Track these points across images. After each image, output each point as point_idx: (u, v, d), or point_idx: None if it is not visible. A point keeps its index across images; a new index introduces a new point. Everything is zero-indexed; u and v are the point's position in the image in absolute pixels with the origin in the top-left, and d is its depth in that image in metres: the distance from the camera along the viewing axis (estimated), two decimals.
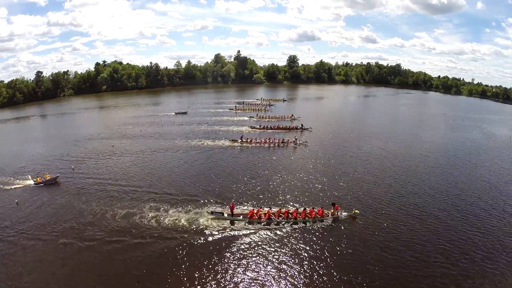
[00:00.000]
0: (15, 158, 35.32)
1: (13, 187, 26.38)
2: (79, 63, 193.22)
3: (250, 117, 56.09)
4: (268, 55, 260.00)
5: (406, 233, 18.85)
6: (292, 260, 16.27)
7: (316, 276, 15.08)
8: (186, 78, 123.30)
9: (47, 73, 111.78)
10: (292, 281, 14.81)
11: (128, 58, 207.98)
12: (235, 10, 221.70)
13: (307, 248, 17.32)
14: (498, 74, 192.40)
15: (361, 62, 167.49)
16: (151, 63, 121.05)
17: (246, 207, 21.61)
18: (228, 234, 18.64)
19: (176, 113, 60.58)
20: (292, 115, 54.93)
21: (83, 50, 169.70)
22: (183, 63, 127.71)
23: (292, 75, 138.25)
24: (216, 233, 18.73)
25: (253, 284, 14.67)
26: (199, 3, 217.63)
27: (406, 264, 16.06)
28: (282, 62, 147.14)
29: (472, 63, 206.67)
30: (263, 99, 79.44)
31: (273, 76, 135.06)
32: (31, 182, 27.03)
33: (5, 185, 26.61)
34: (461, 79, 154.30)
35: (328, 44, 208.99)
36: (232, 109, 64.60)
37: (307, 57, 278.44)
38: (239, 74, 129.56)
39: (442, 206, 22.68)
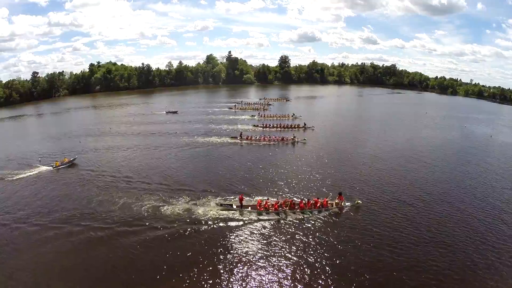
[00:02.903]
0: (20, 150, 37.38)
1: (33, 173, 28.54)
2: (80, 63, 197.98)
3: (251, 116, 57.27)
4: (269, 56, 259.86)
5: (405, 222, 19.66)
6: (298, 249, 16.89)
7: (320, 264, 15.63)
8: (177, 79, 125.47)
9: (48, 73, 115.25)
10: (298, 268, 15.32)
11: (129, 58, 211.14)
12: (236, 11, 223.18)
13: (313, 237, 18.07)
14: (499, 75, 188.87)
15: (356, 63, 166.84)
16: (143, 64, 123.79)
17: (254, 199, 22.28)
18: (236, 225, 19.32)
19: (166, 112, 61.72)
20: (293, 114, 55.88)
21: (84, 50, 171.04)
22: (174, 64, 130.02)
23: (283, 76, 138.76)
24: (225, 223, 19.38)
25: (260, 271, 15.19)
26: (200, 3, 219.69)
27: (406, 252, 16.58)
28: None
29: (473, 64, 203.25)
30: (266, 98, 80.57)
31: (263, 77, 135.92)
32: (46, 167, 29.52)
33: (23, 173, 28.42)
34: (459, 80, 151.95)
35: (328, 45, 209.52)
36: (232, 108, 66.01)
37: (308, 59, 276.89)
38: (229, 75, 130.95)
39: (437, 198, 23.60)
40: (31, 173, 28.39)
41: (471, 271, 15.43)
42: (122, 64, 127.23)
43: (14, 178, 27.46)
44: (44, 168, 29.61)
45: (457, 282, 14.68)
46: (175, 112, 61.92)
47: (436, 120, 62.67)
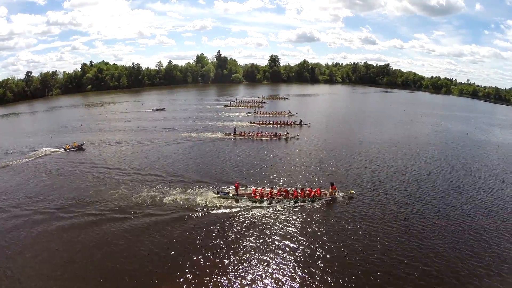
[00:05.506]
0: (24, 140, 40.21)
1: (45, 154, 33.11)
2: (79, 63, 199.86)
3: (248, 113, 58.62)
4: (268, 55, 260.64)
5: (395, 211, 20.36)
6: (291, 236, 17.33)
7: (312, 252, 15.98)
8: (167, 78, 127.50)
9: (42, 72, 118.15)
10: (290, 256, 15.66)
11: (128, 57, 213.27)
12: (234, 11, 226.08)
13: (306, 225, 18.56)
14: (498, 76, 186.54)
15: (350, 62, 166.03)
16: (133, 63, 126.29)
17: (249, 187, 22.99)
18: (232, 212, 19.90)
19: (153, 110, 63.27)
20: (289, 111, 56.89)
21: (83, 49, 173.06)
22: (164, 64, 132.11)
23: (272, 75, 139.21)
24: (222, 210, 20.01)
25: (253, 257, 15.46)
26: (198, 3, 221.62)
27: (397, 242, 17.00)
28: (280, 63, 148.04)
29: (472, 65, 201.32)
30: (262, 96, 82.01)
31: (252, 76, 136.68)
32: (57, 149, 34.56)
33: (37, 156, 32.59)
34: (453, 79, 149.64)
35: (327, 45, 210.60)
36: (227, 106, 67.45)
37: (307, 59, 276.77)
38: (218, 74, 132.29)
39: (425, 191, 24.32)
40: (45, 154, 33.36)
41: (462, 256, 15.87)
42: (114, 64, 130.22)
43: (21, 162, 30.83)
44: (55, 149, 34.60)
45: (449, 268, 14.94)
46: (162, 110, 63.59)
47: (413, 117, 62.88)
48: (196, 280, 13.92)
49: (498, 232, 18.28)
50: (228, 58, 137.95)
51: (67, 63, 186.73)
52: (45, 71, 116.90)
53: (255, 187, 22.53)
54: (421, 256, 15.70)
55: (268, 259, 15.38)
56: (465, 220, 19.64)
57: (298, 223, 18.74)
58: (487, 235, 17.82)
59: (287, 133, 40.34)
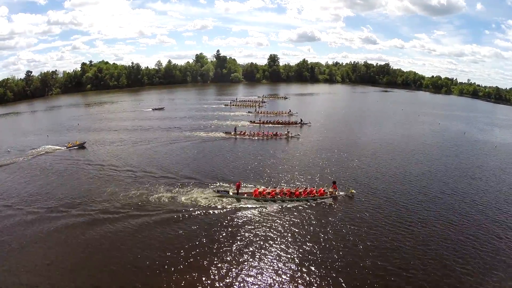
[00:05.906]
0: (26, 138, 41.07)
1: (46, 152, 33.48)
2: (79, 62, 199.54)
3: (248, 112, 58.68)
4: (268, 55, 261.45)
5: (386, 214, 20.18)
6: (292, 235, 17.25)
7: (313, 251, 15.94)
8: (166, 77, 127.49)
9: (42, 72, 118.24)
10: (290, 254, 15.60)
11: (129, 57, 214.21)
12: (235, 10, 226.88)
13: (307, 224, 18.55)
14: (498, 76, 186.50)
15: (350, 62, 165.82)
16: (132, 63, 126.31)
17: (250, 187, 22.89)
18: (233, 211, 19.78)
19: (153, 109, 63.21)
20: (290, 111, 56.90)
21: (84, 49, 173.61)
22: (164, 63, 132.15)
23: (272, 74, 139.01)
24: (221, 209, 19.88)
25: (252, 256, 15.40)
26: (199, 3, 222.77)
27: (395, 239, 17.08)
28: (281, 62, 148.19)
29: (473, 65, 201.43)
30: (264, 96, 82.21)
31: (251, 75, 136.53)
32: (59, 147, 34.97)
33: (34, 154, 32.85)
34: (454, 79, 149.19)
35: (328, 45, 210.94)
36: (227, 105, 67.53)
37: (308, 58, 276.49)
38: (217, 73, 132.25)
39: (419, 188, 24.63)
40: (48, 151, 33.92)
41: (450, 263, 15.72)
42: (113, 63, 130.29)
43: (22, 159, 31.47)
44: (58, 147, 35.00)
45: (436, 276, 14.72)
46: (162, 109, 63.62)
47: (411, 116, 62.88)
48: (187, 281, 13.86)
49: (489, 236, 18.03)
50: (228, 57, 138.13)
51: (68, 63, 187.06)
52: (46, 71, 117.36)
53: (257, 187, 22.49)
54: (408, 262, 15.49)
55: (265, 259, 15.24)
56: (455, 224, 19.34)
57: (299, 223, 18.65)
58: (477, 241, 17.47)
59: (288, 132, 40.27)
